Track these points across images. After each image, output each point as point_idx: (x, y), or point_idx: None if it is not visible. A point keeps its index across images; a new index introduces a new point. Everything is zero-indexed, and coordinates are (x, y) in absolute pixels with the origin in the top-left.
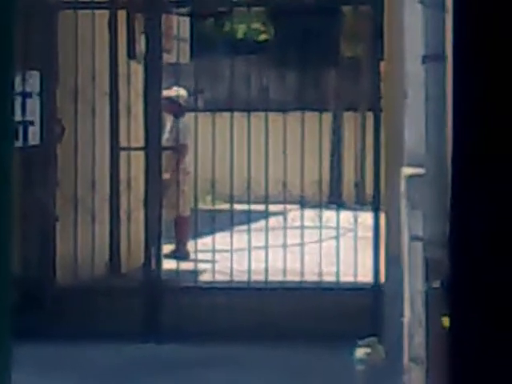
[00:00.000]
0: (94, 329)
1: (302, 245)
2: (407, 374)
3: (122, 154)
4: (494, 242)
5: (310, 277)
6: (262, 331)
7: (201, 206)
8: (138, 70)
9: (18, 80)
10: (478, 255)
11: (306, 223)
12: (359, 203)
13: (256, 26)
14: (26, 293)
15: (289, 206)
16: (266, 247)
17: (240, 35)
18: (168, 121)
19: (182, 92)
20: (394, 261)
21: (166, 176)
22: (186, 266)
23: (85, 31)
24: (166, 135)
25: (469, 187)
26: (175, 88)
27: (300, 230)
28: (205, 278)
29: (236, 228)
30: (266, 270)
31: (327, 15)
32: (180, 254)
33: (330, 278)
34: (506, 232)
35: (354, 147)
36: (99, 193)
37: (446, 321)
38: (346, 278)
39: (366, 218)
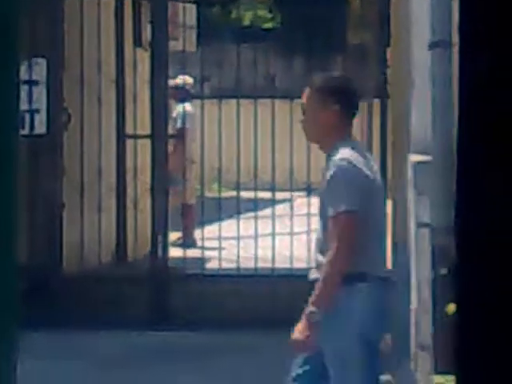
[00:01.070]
0: (101, 317)
1: (308, 232)
2: (415, 361)
3: (129, 142)
4: (500, 229)
5: None
6: (269, 318)
7: (207, 193)
8: (144, 57)
9: (24, 68)
10: (484, 242)
11: (313, 210)
12: None
13: (262, 13)
14: (32, 281)
15: (295, 194)
16: (273, 234)
17: (246, 22)
18: (174, 109)
19: (188, 79)
20: (400, 248)
21: (172, 165)
22: (192, 253)
23: (91, 19)
24: (171, 122)
25: (474, 174)
26: (181, 76)
27: (307, 217)
28: (212, 265)
29: (243, 215)
30: (273, 258)
31: (334, 2)
32: (186, 242)
33: None
34: None
35: (360, 134)
36: (106, 181)
37: (450, 308)
38: None
39: None
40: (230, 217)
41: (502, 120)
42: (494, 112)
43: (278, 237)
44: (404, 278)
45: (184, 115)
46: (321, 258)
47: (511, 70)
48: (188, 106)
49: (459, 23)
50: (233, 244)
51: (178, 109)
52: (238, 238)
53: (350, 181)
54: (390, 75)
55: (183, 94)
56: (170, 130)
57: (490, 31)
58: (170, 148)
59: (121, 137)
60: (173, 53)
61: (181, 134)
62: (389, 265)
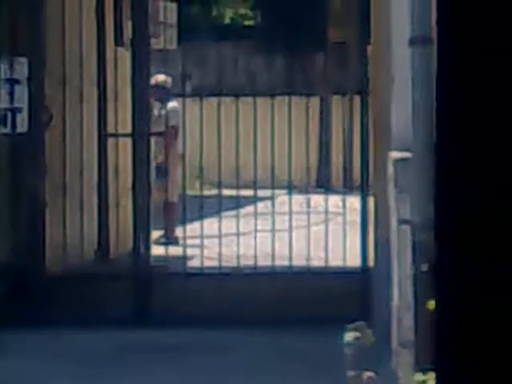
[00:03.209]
0: (84, 315)
1: (290, 229)
2: (396, 358)
3: (110, 141)
4: (480, 224)
5: (299, 261)
6: (250, 316)
7: (189, 191)
8: (125, 56)
9: (5, 67)
10: (463, 237)
11: (295, 208)
12: (347, 187)
13: (243, 11)
14: (15, 280)
15: (277, 191)
16: (255, 232)
17: (227, 20)
18: (154, 107)
19: (167, 78)
20: (382, 244)
21: (159, 159)
22: (174, 251)
23: (72, 17)
24: (152, 121)
25: (454, 170)
26: (159, 75)
27: (288, 215)
28: (193, 263)
29: (224, 214)
30: (255, 256)
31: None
32: (168, 240)
33: (318, 262)
34: (491, 216)
35: (341, 131)
36: (87, 179)
37: (431, 305)
38: (335, 262)
39: (355, 201)
40: (212, 215)
41: (480, 116)
42: (472, 108)
43: (260, 234)
44: (385, 274)
45: (168, 114)
46: None
47: (488, 66)
48: (172, 105)
49: (436, 19)
50: (215, 242)
51: (160, 109)
52: (220, 236)
53: None
54: (370, 72)
55: (164, 93)
56: (158, 128)
57: (467, 27)
58: (157, 146)
59: (102, 135)
60: (154, 51)
61: (169, 133)
62: (370, 261)
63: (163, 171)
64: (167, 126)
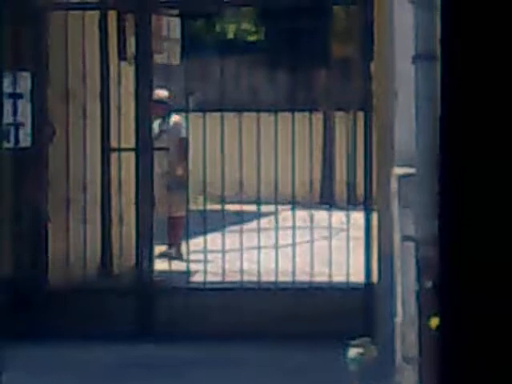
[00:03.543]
0: (86, 329)
1: (293, 245)
2: (399, 374)
3: (113, 155)
4: (483, 242)
5: (302, 277)
6: (253, 331)
7: (192, 206)
8: (128, 71)
9: (8, 81)
10: (467, 255)
11: (298, 223)
12: (351, 203)
13: (246, 26)
14: (17, 293)
15: (280, 207)
16: (258, 248)
17: (230, 35)
18: (155, 122)
19: (168, 93)
20: (386, 260)
21: (178, 172)
22: (178, 266)
23: (75, 32)
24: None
25: (457, 186)
26: (161, 90)
27: (292, 230)
28: (197, 278)
29: (228, 229)
30: (258, 271)
31: (318, 15)
32: (175, 255)
33: (322, 278)
34: (496, 232)
35: (345, 147)
36: (91, 194)
37: (433, 322)
38: (338, 278)
39: (358, 217)
40: (216, 230)
41: (484, 131)
42: (476, 124)
43: (263, 250)
44: (389, 290)
45: (173, 128)
46: None
47: (492, 81)
48: (174, 119)
49: (441, 35)
50: (218, 257)
51: (171, 121)
52: (223, 252)
53: None
54: (374, 88)
55: (165, 109)
56: (162, 143)
57: (471, 44)
58: (178, 157)
59: (105, 150)
60: (157, 66)
61: (186, 143)
62: (374, 277)
63: (182, 184)
64: (178, 138)
